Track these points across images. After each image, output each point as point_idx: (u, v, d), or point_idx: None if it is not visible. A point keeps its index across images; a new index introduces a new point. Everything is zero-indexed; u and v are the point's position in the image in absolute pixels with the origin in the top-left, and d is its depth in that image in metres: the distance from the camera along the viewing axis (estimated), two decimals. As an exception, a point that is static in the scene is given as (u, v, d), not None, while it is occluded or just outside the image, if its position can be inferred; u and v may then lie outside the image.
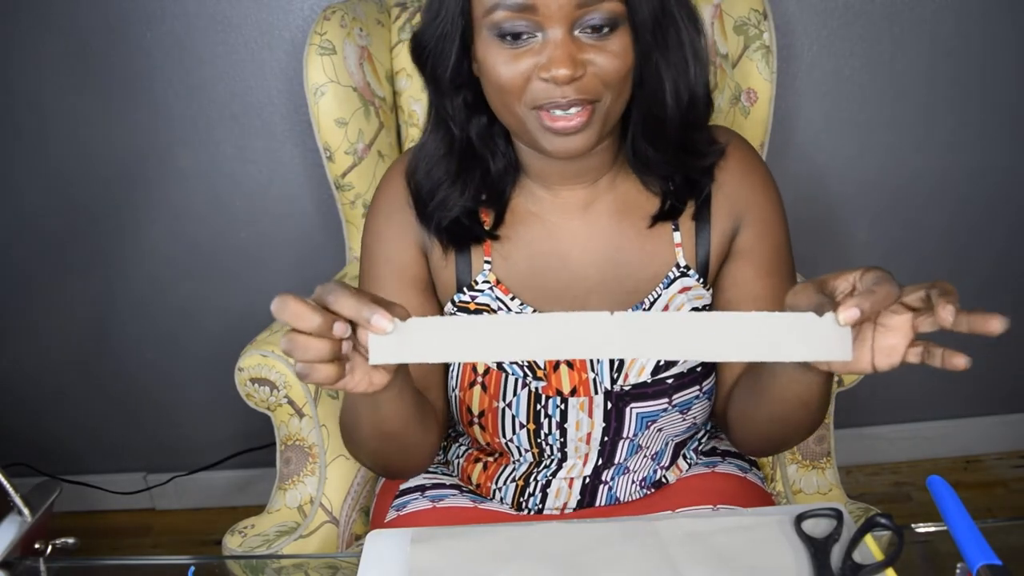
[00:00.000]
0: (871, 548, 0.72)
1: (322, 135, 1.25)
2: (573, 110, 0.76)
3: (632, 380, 0.89)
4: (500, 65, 0.76)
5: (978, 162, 1.63)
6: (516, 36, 0.75)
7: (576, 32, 0.75)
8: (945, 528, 0.71)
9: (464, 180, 0.87)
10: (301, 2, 1.50)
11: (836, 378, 1.13)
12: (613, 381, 0.89)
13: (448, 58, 0.81)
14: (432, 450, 0.92)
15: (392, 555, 0.76)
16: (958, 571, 0.71)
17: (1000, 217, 1.68)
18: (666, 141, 0.84)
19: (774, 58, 1.20)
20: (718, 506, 0.94)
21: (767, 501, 0.99)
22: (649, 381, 0.89)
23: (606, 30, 0.75)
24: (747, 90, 1.22)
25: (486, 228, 0.89)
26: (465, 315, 0.81)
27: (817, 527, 0.75)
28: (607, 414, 0.90)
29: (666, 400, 0.89)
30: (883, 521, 0.72)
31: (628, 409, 0.90)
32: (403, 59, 1.31)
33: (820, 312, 0.61)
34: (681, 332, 0.62)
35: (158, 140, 1.59)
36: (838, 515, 0.75)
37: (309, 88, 1.23)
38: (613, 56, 0.76)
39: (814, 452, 1.14)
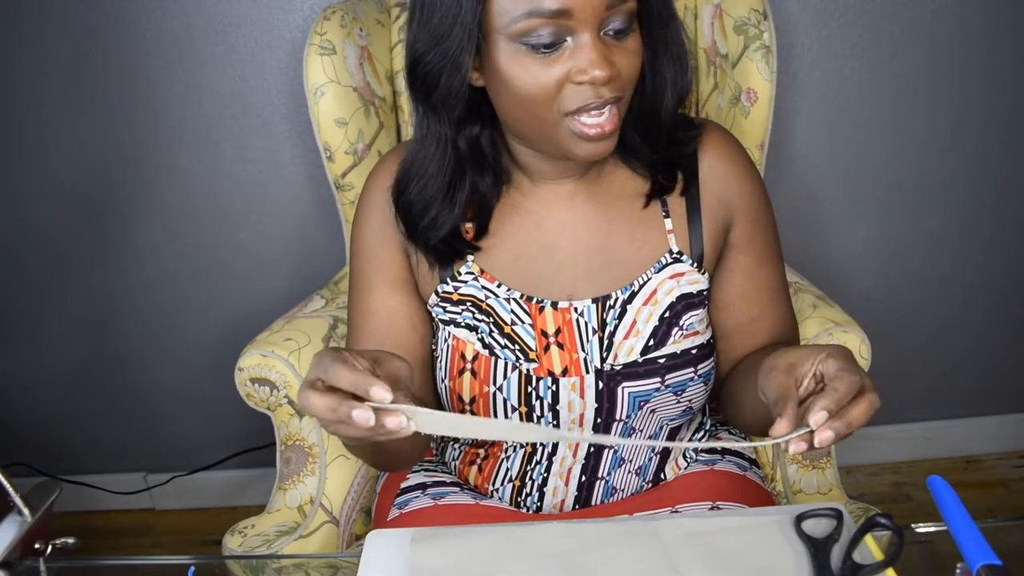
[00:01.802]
0: (871, 548, 0.72)
1: (322, 135, 1.25)
2: (606, 110, 0.77)
3: (622, 360, 0.90)
4: (528, 75, 0.76)
5: (979, 162, 1.63)
6: (547, 43, 0.74)
7: (601, 34, 0.76)
8: (945, 528, 0.71)
9: (454, 195, 0.87)
10: (301, 2, 1.50)
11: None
12: (603, 360, 0.90)
13: (464, 71, 0.78)
14: (424, 447, 1.00)
15: (392, 555, 0.76)
16: (958, 571, 0.71)
17: (1001, 217, 1.68)
18: (657, 132, 0.87)
19: (774, 58, 1.20)
20: (718, 503, 0.94)
21: (767, 499, 1.00)
22: (640, 361, 0.89)
23: (625, 31, 0.77)
24: (747, 90, 1.22)
25: (469, 237, 0.91)
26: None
27: (817, 527, 0.75)
28: (599, 394, 0.90)
29: (658, 379, 0.90)
30: (883, 521, 0.72)
31: (620, 389, 0.90)
32: (403, 59, 1.31)
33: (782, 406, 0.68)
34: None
35: (158, 140, 1.59)
36: (838, 515, 0.76)
37: (309, 88, 1.23)
38: (632, 55, 0.78)
39: (814, 452, 1.14)
